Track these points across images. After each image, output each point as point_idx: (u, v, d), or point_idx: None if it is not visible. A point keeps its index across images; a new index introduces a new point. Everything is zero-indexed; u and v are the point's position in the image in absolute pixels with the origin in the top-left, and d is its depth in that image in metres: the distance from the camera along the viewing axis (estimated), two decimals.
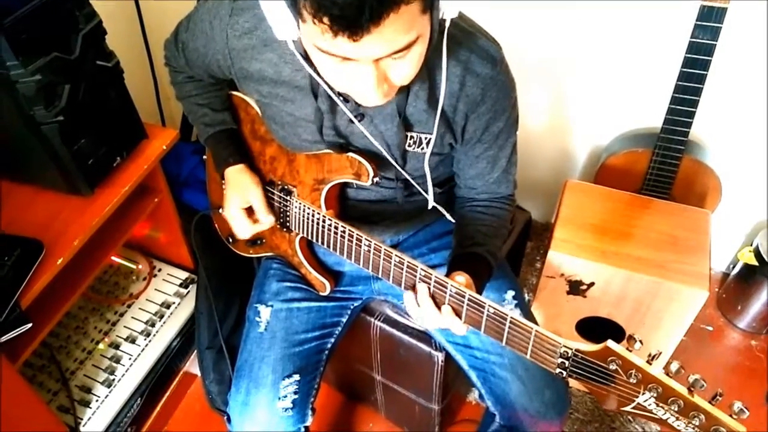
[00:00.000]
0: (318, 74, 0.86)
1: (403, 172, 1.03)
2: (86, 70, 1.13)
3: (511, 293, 1.16)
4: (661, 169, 1.53)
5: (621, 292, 1.39)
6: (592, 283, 1.41)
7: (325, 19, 0.68)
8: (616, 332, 1.49)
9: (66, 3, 1.09)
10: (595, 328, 1.53)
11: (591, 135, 1.85)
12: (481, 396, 1.16)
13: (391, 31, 0.70)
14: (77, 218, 1.20)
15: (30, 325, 1.08)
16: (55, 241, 1.15)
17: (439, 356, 1.25)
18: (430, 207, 1.09)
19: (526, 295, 1.89)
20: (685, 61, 1.36)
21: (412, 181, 1.05)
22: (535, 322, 0.85)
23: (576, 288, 1.44)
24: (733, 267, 1.88)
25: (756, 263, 1.70)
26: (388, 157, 1.01)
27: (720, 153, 1.67)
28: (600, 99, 1.74)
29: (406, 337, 1.28)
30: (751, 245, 1.73)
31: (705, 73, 1.36)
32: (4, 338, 1.04)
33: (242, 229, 1.14)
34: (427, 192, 1.09)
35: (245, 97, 1.12)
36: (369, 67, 0.76)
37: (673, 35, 1.46)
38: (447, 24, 0.80)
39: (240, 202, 1.12)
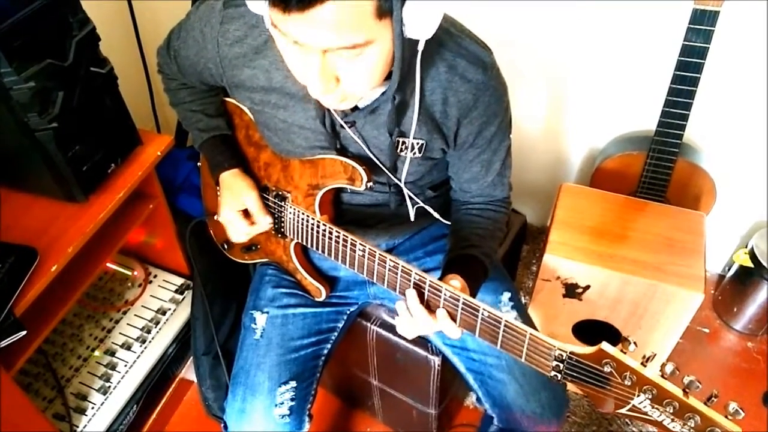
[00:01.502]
0: None
1: (394, 177, 1.03)
2: (80, 76, 1.13)
3: (507, 295, 1.16)
4: (656, 171, 1.54)
5: (617, 294, 1.40)
6: (588, 286, 1.41)
7: None
8: (613, 335, 1.49)
9: (59, 9, 1.09)
10: (593, 330, 1.53)
11: (586, 138, 1.85)
12: (478, 399, 1.16)
13: (331, 22, 0.71)
14: (72, 225, 1.20)
15: (24, 332, 1.07)
16: (49, 248, 1.15)
17: (436, 360, 1.25)
18: (412, 218, 1.10)
19: (522, 299, 1.88)
20: (679, 64, 1.37)
21: (403, 186, 1.05)
22: (532, 324, 0.85)
23: (572, 291, 1.44)
24: (729, 269, 1.89)
25: (751, 265, 1.70)
26: (378, 162, 1.01)
27: (714, 155, 1.68)
28: (595, 102, 1.75)
29: (402, 342, 1.28)
30: (746, 247, 1.73)
31: (698, 75, 1.36)
32: None
33: (238, 232, 1.14)
34: (418, 196, 1.10)
35: (239, 104, 1.12)
36: (316, 57, 0.76)
37: (667, 38, 1.47)
38: (421, 45, 0.80)
39: (235, 205, 1.12)
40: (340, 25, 0.72)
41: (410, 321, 0.94)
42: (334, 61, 0.78)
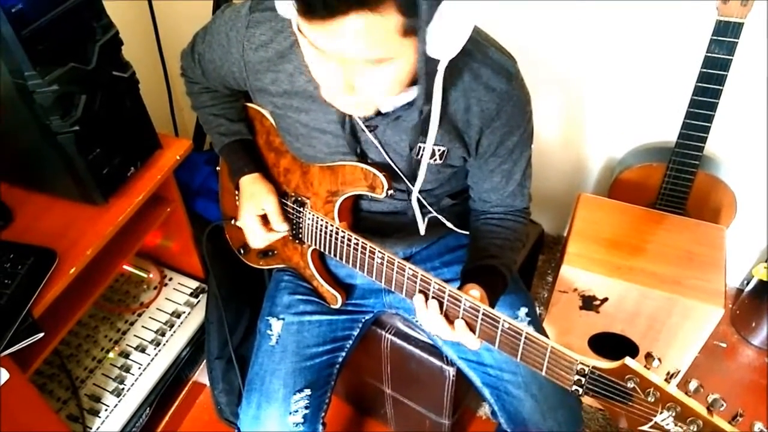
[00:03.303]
0: None
1: (410, 185, 1.03)
2: (102, 80, 1.14)
3: (524, 310, 1.15)
4: (676, 183, 1.52)
5: (635, 308, 1.38)
6: (606, 299, 1.40)
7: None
8: (630, 348, 1.48)
9: (83, 14, 1.09)
10: (609, 343, 1.51)
11: (605, 148, 1.84)
12: (493, 412, 1.15)
13: (356, 33, 0.71)
14: (91, 227, 1.20)
15: (42, 334, 1.08)
16: (68, 251, 1.15)
17: (451, 371, 1.24)
18: (422, 232, 1.10)
19: (537, 309, 1.87)
20: (701, 76, 1.35)
21: (419, 196, 1.05)
22: (548, 338, 0.84)
23: (589, 303, 1.43)
24: (748, 283, 1.86)
25: None
26: (397, 170, 1.01)
27: (735, 168, 1.66)
28: (614, 112, 1.73)
29: (417, 351, 1.27)
30: (766, 261, 1.71)
31: (720, 88, 1.35)
32: (16, 348, 1.04)
33: (257, 237, 1.14)
34: (437, 204, 1.09)
35: (260, 109, 1.13)
36: (339, 68, 0.77)
37: (689, 49, 1.45)
38: (443, 65, 0.80)
39: (254, 209, 1.12)
40: (362, 39, 0.72)
41: (427, 317, 0.93)
42: (352, 69, 0.78)
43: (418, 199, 1.06)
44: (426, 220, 1.10)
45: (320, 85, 0.84)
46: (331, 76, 0.79)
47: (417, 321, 1.01)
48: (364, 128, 0.97)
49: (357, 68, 0.78)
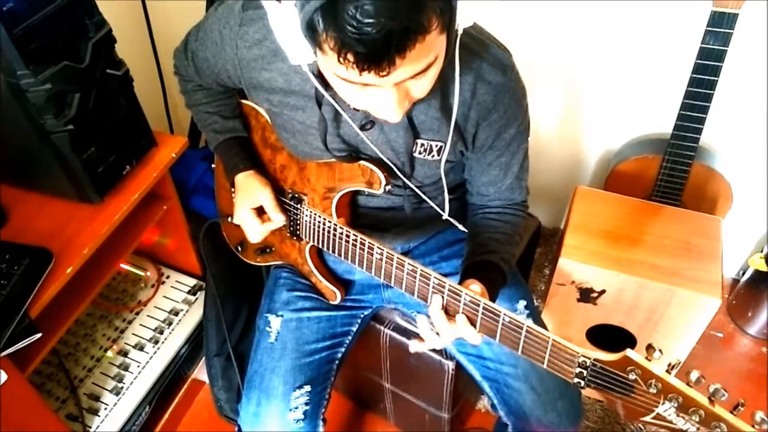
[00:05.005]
0: (326, 87, 0.87)
1: (408, 182, 1.03)
2: (96, 78, 1.13)
3: (522, 303, 1.15)
4: (672, 175, 1.52)
5: (633, 299, 1.38)
6: (603, 291, 1.40)
7: (350, 56, 0.68)
8: (628, 340, 1.48)
9: (76, 11, 1.08)
10: (606, 335, 1.52)
11: (601, 140, 1.84)
12: (493, 406, 1.15)
13: (414, 58, 0.70)
14: (86, 226, 1.20)
15: (39, 335, 1.07)
16: (64, 250, 1.15)
17: (450, 365, 1.24)
18: (444, 218, 1.09)
19: (534, 302, 1.87)
20: (696, 67, 1.36)
21: (419, 191, 1.05)
22: (548, 331, 0.84)
23: (587, 295, 1.43)
24: (743, 273, 1.87)
25: (767, 269, 1.69)
26: (394, 168, 1.01)
27: (730, 159, 1.66)
28: (610, 104, 1.73)
29: None
30: (762, 251, 1.72)
31: (716, 79, 1.35)
32: (13, 348, 1.03)
33: (253, 230, 1.12)
34: (435, 199, 1.09)
35: (255, 106, 1.12)
36: (390, 90, 0.76)
37: (684, 41, 1.46)
38: (459, 32, 0.79)
39: (249, 203, 1.11)
40: (416, 61, 0.71)
41: (430, 333, 0.93)
42: (404, 86, 0.78)
43: (414, 194, 1.06)
44: (448, 201, 1.08)
45: (369, 111, 0.84)
46: (389, 102, 0.78)
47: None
48: (358, 130, 0.96)
49: (408, 83, 0.77)
